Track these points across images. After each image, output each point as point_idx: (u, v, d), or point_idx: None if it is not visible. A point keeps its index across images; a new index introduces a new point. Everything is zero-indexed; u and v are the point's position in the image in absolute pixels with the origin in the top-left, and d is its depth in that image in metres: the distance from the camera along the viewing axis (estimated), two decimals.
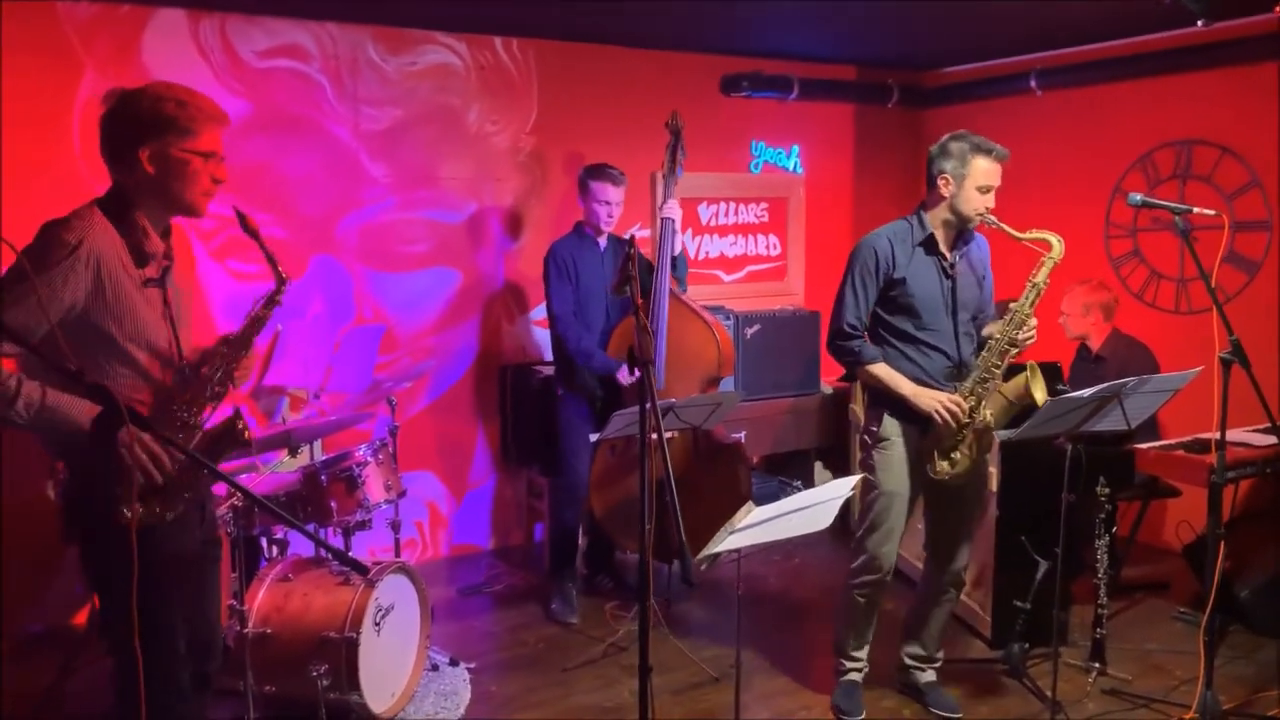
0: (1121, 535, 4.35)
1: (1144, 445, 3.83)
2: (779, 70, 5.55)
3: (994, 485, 3.82)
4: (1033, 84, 5.34)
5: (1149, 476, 4.21)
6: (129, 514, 1.98)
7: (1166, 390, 3.07)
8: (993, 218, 3.10)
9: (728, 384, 4.65)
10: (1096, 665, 3.64)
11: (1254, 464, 3.66)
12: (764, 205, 5.76)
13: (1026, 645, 3.66)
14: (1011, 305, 3.10)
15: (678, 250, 4.22)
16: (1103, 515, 3.65)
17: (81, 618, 4.13)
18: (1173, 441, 3.88)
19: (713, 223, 5.62)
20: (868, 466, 3.30)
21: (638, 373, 3.97)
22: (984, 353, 3.14)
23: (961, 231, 3.20)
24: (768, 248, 5.80)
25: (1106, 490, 3.62)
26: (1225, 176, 4.75)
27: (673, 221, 4.17)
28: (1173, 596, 4.39)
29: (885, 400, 3.24)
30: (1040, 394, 3.03)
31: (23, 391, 1.97)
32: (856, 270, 3.22)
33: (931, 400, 3.10)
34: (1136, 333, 4.48)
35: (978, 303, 3.28)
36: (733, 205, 5.66)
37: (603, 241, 4.29)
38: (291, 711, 3.23)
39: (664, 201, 4.21)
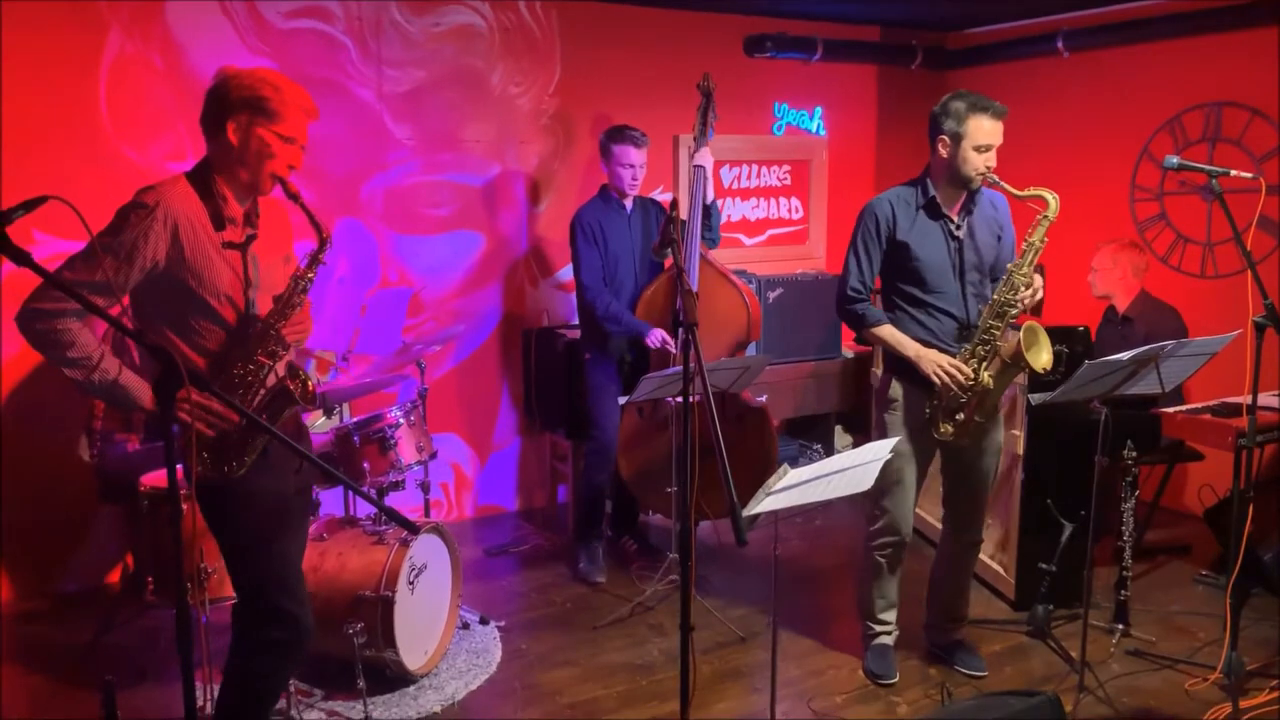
0: (1144, 499, 4.37)
1: (1170, 409, 3.84)
2: (803, 31, 5.50)
3: (1020, 449, 3.84)
4: (1060, 45, 5.28)
5: (1174, 440, 4.22)
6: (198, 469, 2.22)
7: (1204, 354, 3.07)
8: (994, 176, 3.07)
9: (752, 349, 4.65)
10: (1120, 627, 3.68)
11: None
12: (786, 168, 5.73)
13: (1051, 607, 3.69)
14: (1009, 266, 3.09)
15: (710, 198, 4.20)
16: (1128, 479, 3.66)
17: (114, 577, 4.20)
18: (1200, 405, 3.88)
19: (735, 186, 5.59)
20: (879, 428, 3.33)
21: (666, 336, 4.03)
22: (983, 314, 3.12)
23: (969, 193, 3.18)
24: (790, 211, 5.77)
25: (1133, 454, 3.63)
26: (1255, 139, 4.71)
27: (704, 169, 4.13)
28: (1194, 560, 4.42)
29: (894, 363, 3.26)
30: (1040, 356, 2.99)
31: (101, 365, 2.16)
32: (859, 235, 3.23)
33: (932, 363, 3.11)
34: (1162, 297, 4.47)
35: (991, 263, 3.24)
36: (755, 168, 5.63)
37: (629, 204, 4.28)
38: (327, 668, 3.29)
39: (696, 150, 4.17)
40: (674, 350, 3.99)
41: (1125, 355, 2.91)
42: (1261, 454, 4.03)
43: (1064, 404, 3.27)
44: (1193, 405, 3.95)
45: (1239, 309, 3.00)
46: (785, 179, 5.74)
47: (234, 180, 2.33)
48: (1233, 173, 3.08)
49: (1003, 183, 3.06)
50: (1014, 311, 3.06)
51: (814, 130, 5.85)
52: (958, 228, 3.18)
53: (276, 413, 2.31)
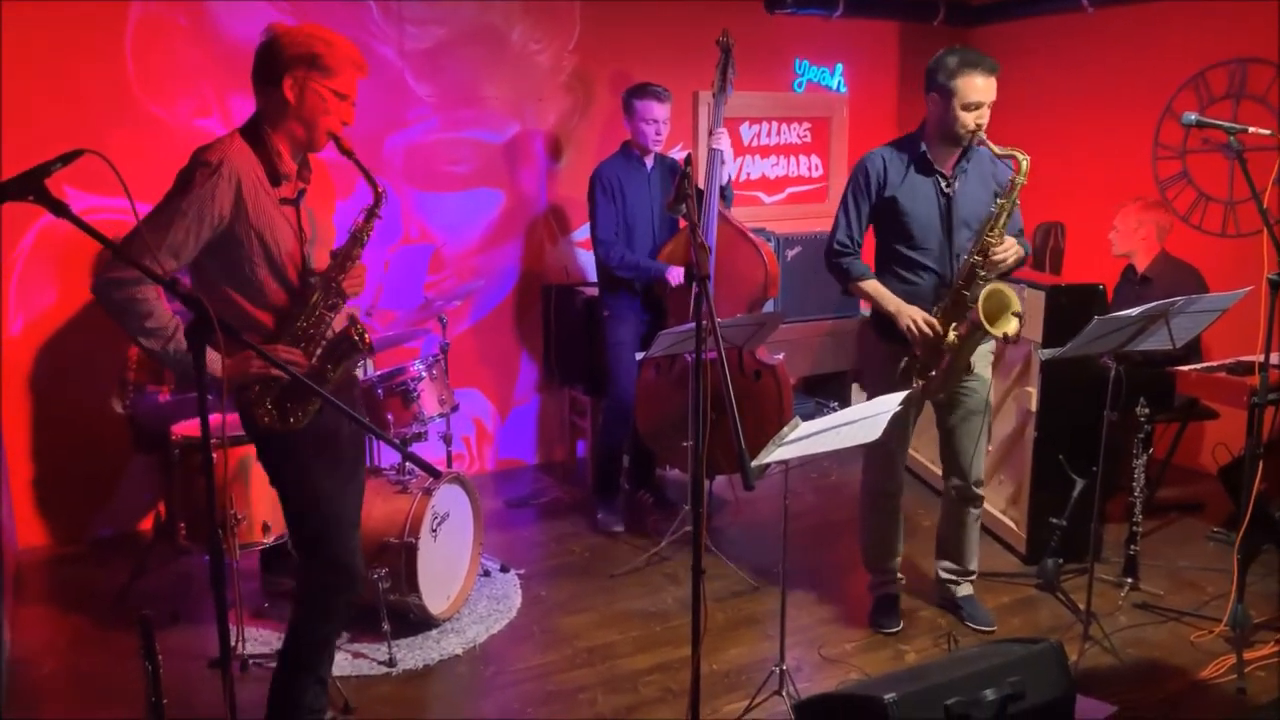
0: (1157, 457, 4.40)
1: (1185, 367, 3.85)
2: None
3: (1033, 405, 3.87)
4: (1084, 1, 5.22)
5: (1188, 398, 4.24)
6: (266, 418, 2.34)
7: (1214, 310, 3.09)
8: (982, 135, 3.05)
9: (769, 306, 4.69)
10: (1129, 580, 3.73)
11: None
12: (806, 125, 5.72)
13: (1060, 560, 3.75)
14: (980, 229, 3.07)
15: (725, 181, 4.23)
16: (1141, 435, 3.70)
17: (147, 524, 4.33)
18: (1214, 364, 3.89)
19: (755, 143, 5.60)
20: (866, 382, 3.38)
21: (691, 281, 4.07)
22: (956, 274, 3.13)
23: (964, 150, 3.17)
24: (810, 169, 5.78)
25: (1146, 411, 3.66)
26: None
27: (721, 152, 4.16)
28: (1207, 517, 4.45)
29: (877, 318, 3.30)
30: (1004, 324, 2.96)
31: (177, 335, 2.21)
32: (850, 189, 3.27)
33: (908, 316, 3.14)
34: (1183, 256, 4.45)
35: (985, 219, 3.21)
36: (775, 125, 5.63)
37: (649, 162, 4.31)
38: (353, 612, 3.39)
39: (713, 130, 4.19)
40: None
41: (1134, 311, 2.93)
42: (1276, 412, 4.04)
43: (1078, 360, 3.30)
44: (1207, 363, 3.96)
45: (1260, 268, 3.01)
46: (805, 136, 5.74)
47: (289, 136, 2.35)
48: (1251, 129, 3.08)
49: (988, 140, 3.05)
50: (984, 274, 3.06)
51: (835, 87, 5.83)
52: (948, 185, 3.18)
53: (339, 362, 2.38)
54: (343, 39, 2.35)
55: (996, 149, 3.02)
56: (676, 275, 4.12)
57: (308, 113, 2.32)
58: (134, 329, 2.19)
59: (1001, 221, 3.03)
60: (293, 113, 2.32)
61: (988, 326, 2.98)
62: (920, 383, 3.18)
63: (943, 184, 3.18)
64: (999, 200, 3.05)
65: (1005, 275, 3.16)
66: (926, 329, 3.11)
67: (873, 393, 3.14)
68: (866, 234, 3.31)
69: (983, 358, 3.32)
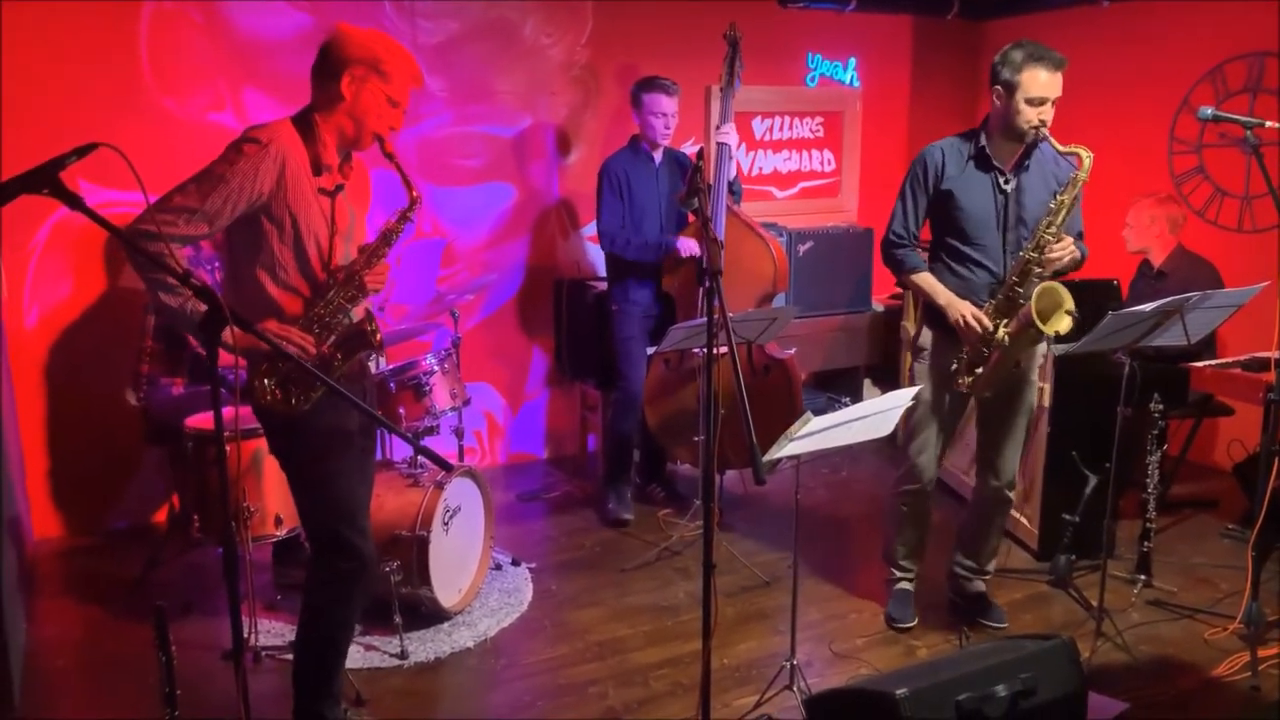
0: (1172, 454, 4.37)
1: (1200, 363, 3.83)
2: None
3: (1046, 400, 3.85)
4: None
5: (1203, 394, 4.21)
6: (267, 398, 2.39)
7: (1230, 306, 3.06)
8: (1045, 131, 3.00)
9: (779, 300, 4.69)
10: (1142, 577, 3.71)
11: None
12: (819, 120, 5.70)
13: (1073, 557, 3.73)
14: (1038, 225, 3.04)
15: (732, 174, 4.22)
16: (1155, 431, 3.67)
17: (161, 516, 4.36)
18: (1230, 360, 3.87)
19: (766, 138, 5.58)
20: (912, 375, 3.39)
21: (697, 245, 4.08)
22: (1009, 271, 3.10)
23: (1029, 147, 3.13)
24: (822, 163, 5.75)
25: (1160, 407, 3.64)
26: None
27: (729, 146, 4.15)
28: (1221, 514, 4.42)
29: (930, 311, 3.29)
30: (1058, 321, 2.93)
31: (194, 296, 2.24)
32: (908, 180, 3.25)
33: (957, 310, 3.12)
34: (1198, 250, 4.42)
35: (1044, 216, 3.19)
36: (787, 119, 5.61)
37: (658, 156, 4.30)
38: (365, 604, 3.41)
39: (720, 124, 4.18)
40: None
41: (1149, 306, 2.92)
42: None
43: (1092, 355, 3.28)
44: (1223, 359, 3.94)
45: (1276, 263, 2.98)
46: (818, 131, 5.72)
47: (338, 130, 2.44)
48: (1268, 124, 3.05)
49: (1050, 137, 3.00)
50: (1039, 271, 3.03)
51: (847, 81, 5.81)
52: (1007, 181, 3.14)
53: (349, 353, 2.44)
54: (405, 51, 2.46)
55: (1060, 146, 2.98)
56: (687, 245, 4.10)
57: (360, 111, 2.41)
58: (154, 283, 2.25)
59: (1060, 219, 3.00)
60: (345, 108, 2.41)
61: (1039, 324, 2.93)
62: (968, 380, 3.17)
63: (1001, 180, 3.14)
64: (1058, 196, 3.01)
65: (1057, 276, 3.10)
66: (975, 324, 3.10)
67: (924, 388, 3.19)
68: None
69: (1033, 360, 3.30)
